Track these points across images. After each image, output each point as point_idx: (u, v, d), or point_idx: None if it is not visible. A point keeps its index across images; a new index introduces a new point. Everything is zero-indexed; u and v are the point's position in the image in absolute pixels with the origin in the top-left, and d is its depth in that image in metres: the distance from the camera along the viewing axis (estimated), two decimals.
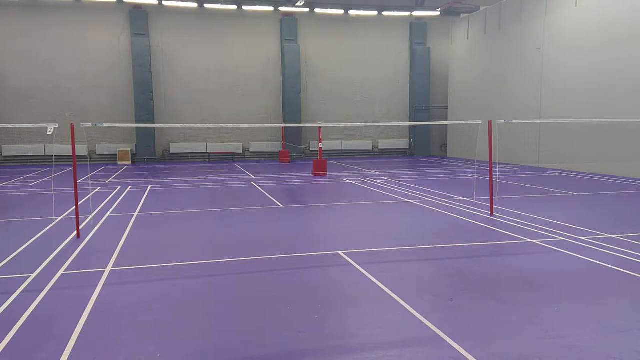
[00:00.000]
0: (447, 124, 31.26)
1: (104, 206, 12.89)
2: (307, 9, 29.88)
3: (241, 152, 30.77)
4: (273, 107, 31.02)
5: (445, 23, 32.09)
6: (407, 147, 33.47)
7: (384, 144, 32.90)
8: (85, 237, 9.24)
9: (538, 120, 15.37)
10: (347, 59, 31.86)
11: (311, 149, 31.60)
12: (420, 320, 5.19)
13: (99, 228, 10.11)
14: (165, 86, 29.41)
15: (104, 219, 11.12)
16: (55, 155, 27.48)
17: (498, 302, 5.73)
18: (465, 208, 11.98)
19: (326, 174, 20.31)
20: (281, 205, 12.83)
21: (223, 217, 11.33)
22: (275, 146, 31.03)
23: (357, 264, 7.28)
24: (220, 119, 29.79)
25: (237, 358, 4.48)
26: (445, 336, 4.79)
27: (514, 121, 12.16)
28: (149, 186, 17.15)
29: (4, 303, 5.80)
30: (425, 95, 32.47)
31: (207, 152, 30.18)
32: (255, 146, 30.97)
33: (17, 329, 5.07)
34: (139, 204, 13.24)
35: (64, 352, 4.54)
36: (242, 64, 30.39)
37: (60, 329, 5.07)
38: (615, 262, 7.26)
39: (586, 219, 10.44)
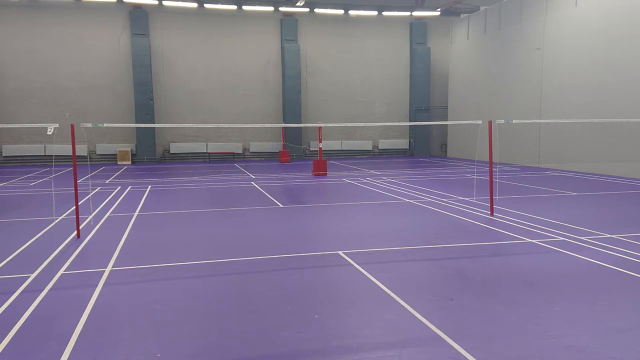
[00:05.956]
0: (447, 124, 31.27)
1: (104, 206, 12.89)
2: (307, 9, 29.88)
3: (241, 152, 30.77)
4: (273, 107, 31.03)
5: (445, 23, 32.09)
6: (407, 147, 33.47)
7: (384, 144, 32.90)
8: (85, 237, 9.24)
9: (538, 120, 15.36)
10: (347, 59, 31.87)
11: (311, 149, 31.60)
12: (420, 320, 5.19)
13: (99, 228, 10.11)
14: (165, 86, 29.41)
15: (104, 219, 11.12)
16: (55, 155, 27.48)
17: (498, 302, 5.73)
18: (465, 208, 11.98)
19: (326, 174, 20.31)
20: (281, 205, 12.83)
21: (223, 217, 11.33)
22: (275, 146, 31.03)
23: (357, 264, 7.27)
24: (220, 119, 29.79)
25: (237, 358, 4.48)
26: (445, 336, 4.79)
27: (514, 121, 12.17)
28: (149, 186, 17.15)
29: (4, 303, 5.80)
30: (425, 95, 32.48)
31: (207, 152, 30.19)
32: (255, 146, 30.97)
33: (17, 329, 5.07)
34: (139, 204, 13.24)
35: (64, 352, 4.54)
36: (242, 64, 30.39)
37: (60, 328, 5.07)
38: (615, 262, 7.26)
39: (586, 219, 10.44)
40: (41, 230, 9.84)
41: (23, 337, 4.88)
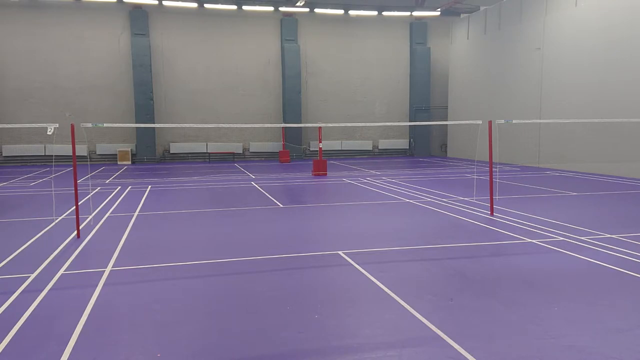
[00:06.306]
0: (447, 124, 31.28)
1: (104, 206, 12.89)
2: (307, 9, 29.88)
3: (241, 152, 30.77)
4: (273, 107, 31.03)
5: (445, 23, 32.10)
6: (407, 147, 33.47)
7: (384, 144, 32.91)
8: (85, 237, 9.24)
9: (538, 120, 15.36)
10: (347, 59, 31.87)
11: (311, 149, 31.61)
12: (420, 320, 5.19)
13: (99, 228, 10.11)
14: (165, 86, 29.42)
15: (104, 219, 11.12)
16: (55, 155, 27.48)
17: (498, 302, 5.73)
18: (465, 208, 11.98)
19: (326, 174, 20.31)
20: (281, 205, 12.83)
21: (223, 217, 11.33)
22: (275, 146, 31.03)
23: (357, 264, 7.27)
24: (220, 119, 29.79)
25: (237, 358, 4.48)
26: (445, 336, 4.79)
27: (514, 121, 12.17)
28: (149, 186, 17.15)
29: (4, 303, 5.80)
30: (425, 95, 32.48)
31: (207, 152, 30.19)
32: (255, 146, 30.97)
33: (17, 329, 5.07)
34: (139, 204, 13.24)
35: (64, 352, 4.54)
36: (242, 64, 30.40)
37: (60, 328, 5.07)
38: (615, 262, 7.26)
39: (586, 219, 10.44)
40: (41, 230, 9.84)
41: (23, 337, 4.88)
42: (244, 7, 29.43)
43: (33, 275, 6.87)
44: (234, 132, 30.77)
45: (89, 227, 10.20)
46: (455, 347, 4.57)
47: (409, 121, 32.57)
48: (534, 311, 5.42)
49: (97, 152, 28.73)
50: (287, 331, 4.98)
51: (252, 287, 6.39)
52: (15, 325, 5.14)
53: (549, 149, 22.30)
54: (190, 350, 4.59)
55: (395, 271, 7.00)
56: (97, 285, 6.43)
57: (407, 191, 15.15)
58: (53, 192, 14.78)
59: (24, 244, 8.76)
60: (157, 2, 27.99)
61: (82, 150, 26.10)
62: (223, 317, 5.42)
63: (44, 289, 6.31)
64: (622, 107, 18.21)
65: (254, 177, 20.06)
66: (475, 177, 18.34)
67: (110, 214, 11.77)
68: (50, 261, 7.61)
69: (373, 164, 26.17)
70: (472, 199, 13.22)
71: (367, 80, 32.34)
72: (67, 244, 8.75)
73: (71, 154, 9.72)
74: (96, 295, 6.05)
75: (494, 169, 12.74)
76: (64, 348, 4.62)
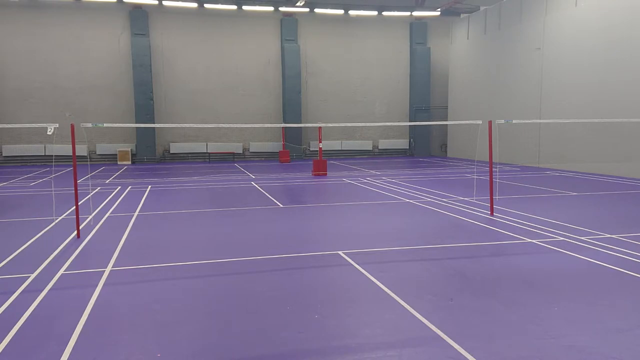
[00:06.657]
0: (447, 124, 31.27)
1: (104, 206, 12.89)
2: (307, 9, 29.88)
3: (241, 152, 30.77)
4: (273, 107, 31.03)
5: (445, 23, 32.10)
6: (407, 147, 33.47)
7: (384, 144, 32.91)
8: (85, 237, 9.24)
9: (538, 120, 15.37)
10: (347, 59, 31.87)
11: (311, 149, 31.61)
12: (420, 320, 5.19)
13: (99, 228, 10.11)
14: (165, 86, 29.41)
15: (104, 219, 11.12)
16: (55, 155, 27.48)
17: (498, 302, 5.73)
18: (465, 208, 11.98)
19: (326, 174, 20.31)
20: (281, 205, 12.83)
21: (223, 217, 11.33)
22: (275, 146, 31.04)
23: (357, 264, 7.27)
24: (220, 119, 29.80)
25: (237, 358, 4.48)
26: (445, 336, 4.79)
27: (514, 121, 12.17)
28: (149, 186, 17.15)
29: (4, 303, 5.80)
30: (425, 95, 32.48)
31: (207, 152, 30.19)
32: (255, 146, 30.97)
33: (17, 329, 5.07)
34: (139, 204, 13.24)
35: (64, 352, 4.54)
36: (242, 64, 30.40)
37: (60, 328, 5.07)
38: (615, 262, 7.26)
39: (586, 219, 10.44)
40: (41, 230, 9.84)
41: (23, 337, 4.88)
42: (244, 7, 29.43)
43: (33, 275, 6.87)
44: (234, 132, 30.77)
45: (89, 227, 10.20)
46: (455, 347, 4.57)
47: (409, 121, 32.57)
48: (534, 311, 5.42)
49: (97, 152, 28.74)
50: (287, 331, 4.98)
51: (252, 287, 6.39)
52: (15, 325, 5.14)
53: (549, 149, 22.30)
54: (190, 350, 4.59)
55: (395, 271, 7.00)
56: (97, 285, 6.43)
57: (407, 191, 15.15)
58: (53, 192, 14.78)
59: (24, 244, 8.76)
60: (157, 2, 27.99)
61: (82, 150, 26.10)
62: (223, 317, 5.42)
63: (44, 289, 6.31)
64: (622, 107, 18.21)
65: (254, 177, 20.06)
66: (475, 177, 18.34)
67: (110, 214, 11.77)
68: (50, 261, 7.61)
69: (373, 164, 26.16)
70: (472, 199, 13.22)
71: (367, 80, 32.34)
72: (67, 244, 8.75)
73: (71, 154, 9.72)
74: (96, 295, 6.05)
75: (494, 169, 12.74)
76: (64, 348, 4.62)
